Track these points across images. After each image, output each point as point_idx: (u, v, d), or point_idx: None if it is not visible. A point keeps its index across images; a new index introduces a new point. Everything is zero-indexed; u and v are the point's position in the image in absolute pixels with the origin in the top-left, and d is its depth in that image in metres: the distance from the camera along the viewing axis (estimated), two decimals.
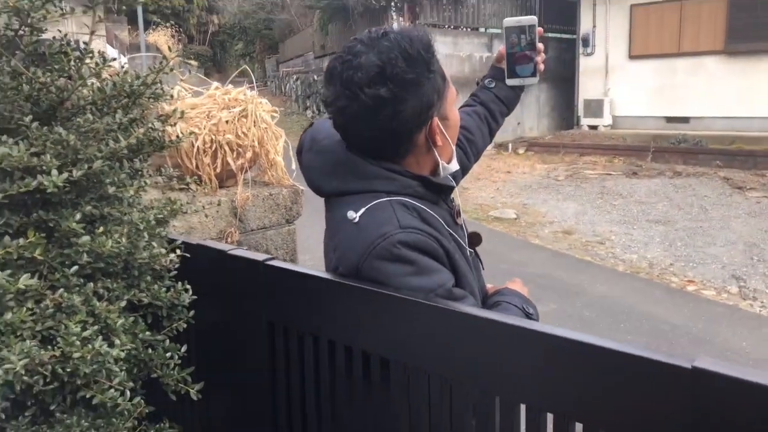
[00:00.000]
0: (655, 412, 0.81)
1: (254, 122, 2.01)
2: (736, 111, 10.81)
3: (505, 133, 12.91)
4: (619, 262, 6.44)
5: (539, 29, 1.54)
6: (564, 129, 13.47)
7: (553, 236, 7.28)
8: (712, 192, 8.57)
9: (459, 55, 13.02)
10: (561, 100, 14.05)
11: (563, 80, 13.80)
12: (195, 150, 1.90)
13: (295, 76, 20.02)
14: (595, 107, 12.55)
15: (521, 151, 12.29)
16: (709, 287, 5.71)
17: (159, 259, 1.31)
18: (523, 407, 0.98)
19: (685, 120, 11.53)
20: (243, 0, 22.47)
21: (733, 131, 10.55)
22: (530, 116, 13.74)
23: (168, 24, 15.64)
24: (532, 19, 1.54)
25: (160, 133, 1.43)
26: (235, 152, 2.00)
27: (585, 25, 12.91)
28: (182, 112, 1.40)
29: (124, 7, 1.67)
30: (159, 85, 1.44)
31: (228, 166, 2.01)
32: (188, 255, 1.40)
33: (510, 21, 1.54)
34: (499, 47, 1.62)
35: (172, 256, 1.40)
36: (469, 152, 1.59)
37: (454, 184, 1.37)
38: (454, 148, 1.35)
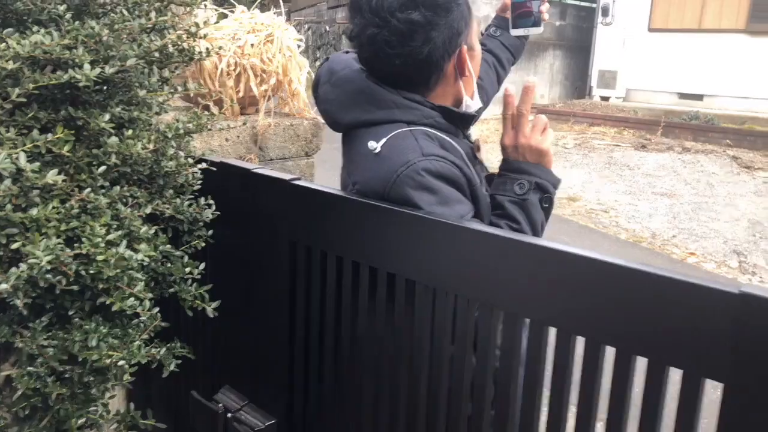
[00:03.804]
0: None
1: (280, 49, 1.97)
2: (753, 92, 10.67)
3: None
4: (622, 231, 6.46)
5: None
6: (576, 98, 13.30)
7: (557, 202, 7.21)
8: (720, 170, 8.53)
9: None
10: (575, 68, 13.84)
11: (579, 49, 13.58)
12: (219, 72, 1.86)
13: (306, 26, 19.68)
14: (608, 78, 12.39)
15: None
16: (709, 260, 5.74)
17: (184, 169, 1.29)
18: (553, 330, 0.98)
19: (698, 97, 11.39)
20: None
21: (748, 112, 10.44)
22: (542, 83, 13.55)
23: None
24: None
25: (188, 45, 1.39)
26: (258, 78, 1.95)
27: None
28: (215, 21, 1.35)
29: None
30: None
31: (251, 92, 1.97)
32: (214, 169, 1.37)
33: None
34: None
35: (195, 169, 1.37)
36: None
37: (475, 113, 1.35)
38: (476, 83, 1.33)
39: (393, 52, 1.18)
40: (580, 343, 0.95)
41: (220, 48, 1.72)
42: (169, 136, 1.26)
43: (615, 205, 7.20)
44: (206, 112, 1.88)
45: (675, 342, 0.82)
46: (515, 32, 1.63)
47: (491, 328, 1.03)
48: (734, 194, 7.49)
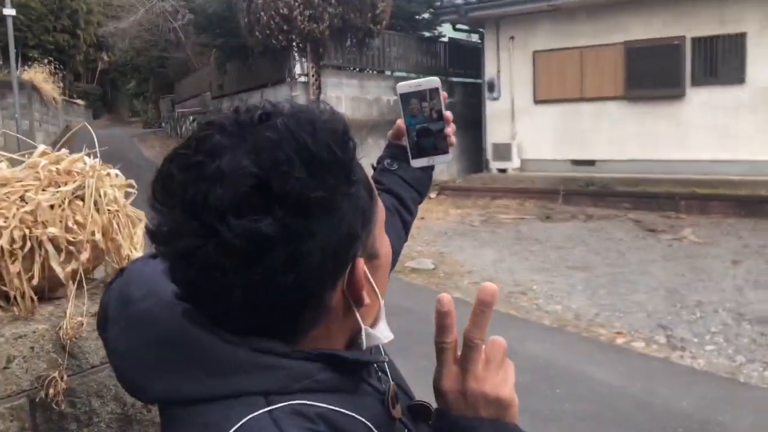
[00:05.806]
0: None
1: (96, 205, 1.34)
2: (637, 154, 11.10)
3: None
4: (545, 315, 6.13)
5: (443, 94, 1.09)
6: (474, 172, 13.40)
7: (473, 287, 6.88)
8: (625, 235, 8.55)
9: (366, 98, 12.71)
10: (470, 143, 14.04)
11: (471, 124, 13.85)
12: None
13: (191, 117, 19.07)
14: (503, 151, 12.58)
15: (433, 195, 12.06)
16: (637, 338, 5.47)
17: None
18: None
19: (590, 163, 11.73)
20: (134, 37, 21.24)
21: (637, 174, 10.80)
22: None
23: (46, 60, 14.16)
24: (433, 81, 1.10)
25: None
26: (63, 252, 1.30)
27: (490, 71, 13.02)
28: None
29: None
30: None
31: (53, 272, 1.31)
32: None
33: (405, 86, 1.09)
34: (397, 120, 1.18)
35: None
36: None
37: (383, 358, 0.80)
38: (382, 300, 0.75)
39: (228, 281, 0.59)
40: None
41: None
42: None
43: (531, 285, 6.91)
44: None
45: None
46: (417, 163, 1.11)
47: None
48: (646, 261, 7.43)
